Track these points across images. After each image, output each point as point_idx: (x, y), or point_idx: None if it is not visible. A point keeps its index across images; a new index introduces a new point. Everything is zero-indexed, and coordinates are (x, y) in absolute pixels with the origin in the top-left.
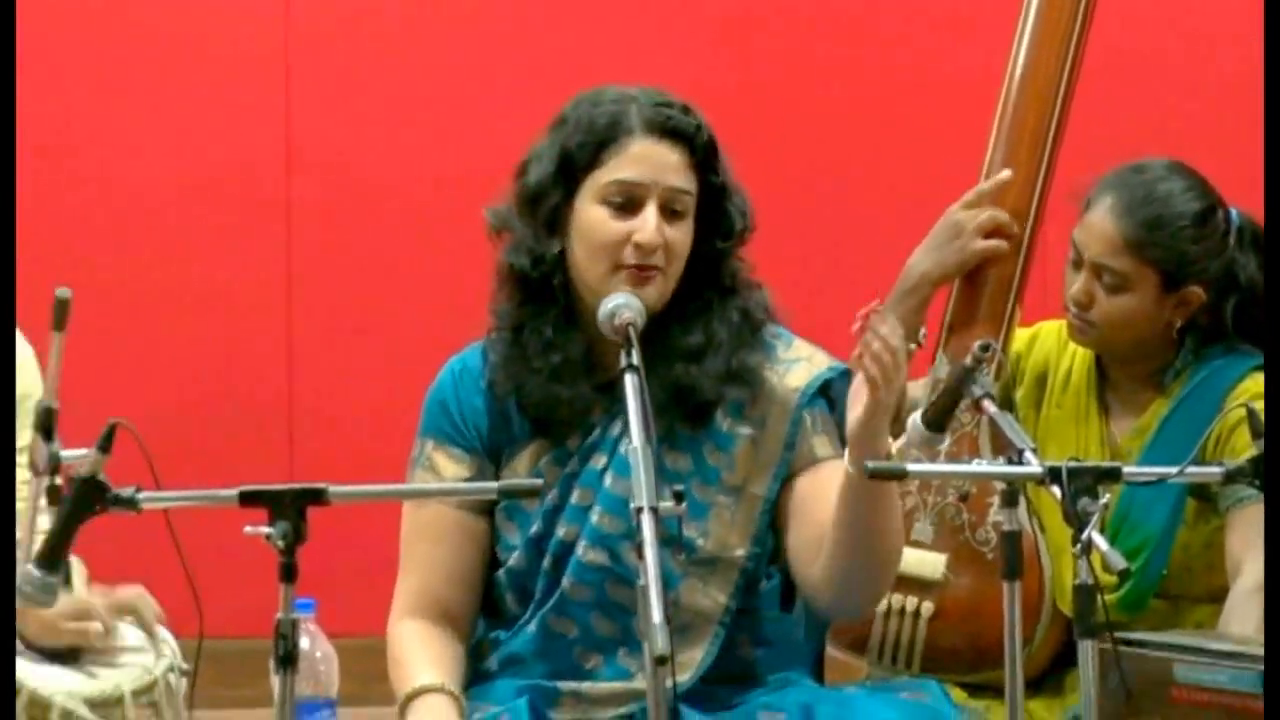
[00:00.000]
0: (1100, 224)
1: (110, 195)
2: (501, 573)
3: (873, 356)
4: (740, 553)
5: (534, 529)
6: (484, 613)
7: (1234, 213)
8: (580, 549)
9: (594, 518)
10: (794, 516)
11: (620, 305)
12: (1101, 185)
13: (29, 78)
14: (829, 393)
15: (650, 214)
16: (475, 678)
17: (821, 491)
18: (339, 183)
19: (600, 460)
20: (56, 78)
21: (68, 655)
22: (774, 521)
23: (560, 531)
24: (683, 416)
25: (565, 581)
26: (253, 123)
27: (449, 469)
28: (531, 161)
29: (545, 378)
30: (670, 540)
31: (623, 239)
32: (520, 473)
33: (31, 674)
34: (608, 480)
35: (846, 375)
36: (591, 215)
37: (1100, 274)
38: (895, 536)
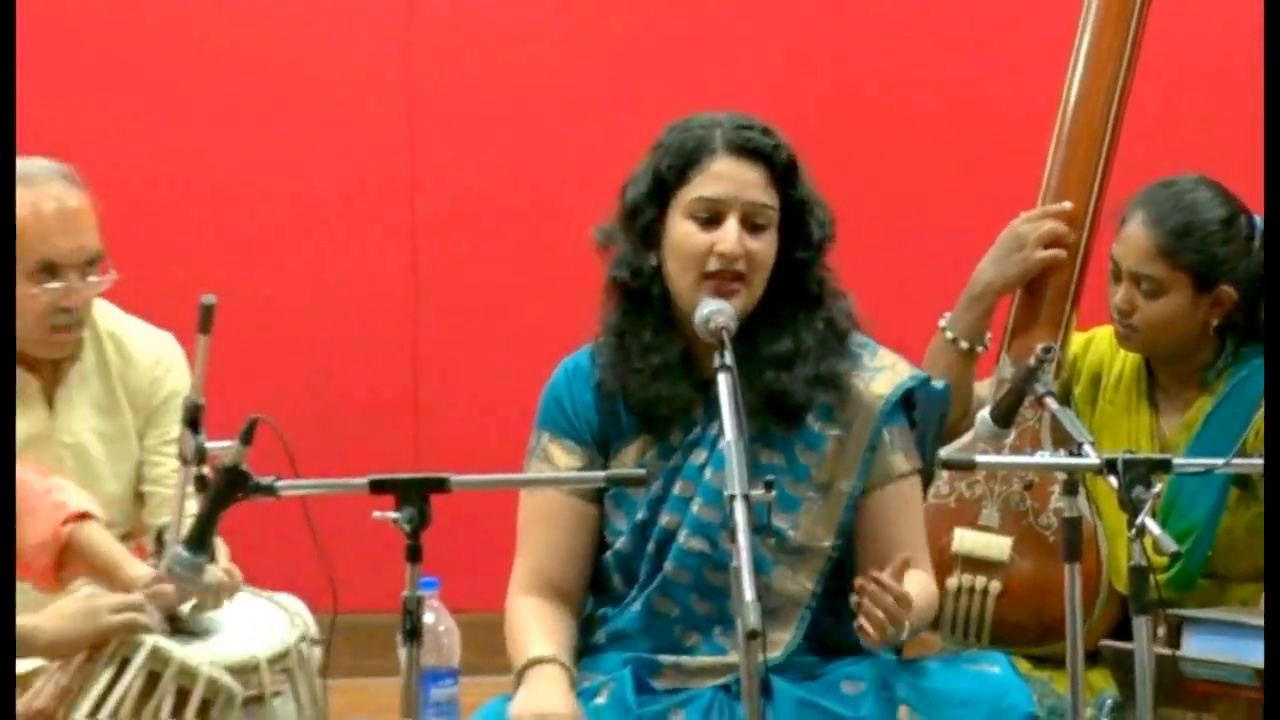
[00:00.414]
0: (1134, 236)
1: (253, 210)
2: (610, 555)
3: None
4: (826, 543)
5: (639, 516)
6: (593, 591)
7: (1257, 219)
8: (681, 536)
9: (694, 508)
10: (865, 530)
11: (715, 311)
12: (1134, 202)
13: (183, 106)
14: (910, 398)
15: (731, 226)
16: (585, 650)
17: (892, 511)
18: (461, 198)
19: (700, 455)
20: (206, 105)
21: (201, 631)
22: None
23: (663, 520)
24: (776, 418)
25: (667, 566)
26: (379, 139)
27: (562, 459)
28: (631, 182)
29: (647, 377)
30: (761, 527)
31: (707, 250)
32: (627, 464)
33: (177, 648)
34: (707, 474)
35: (926, 383)
36: (680, 229)
37: (1138, 282)
38: (924, 616)
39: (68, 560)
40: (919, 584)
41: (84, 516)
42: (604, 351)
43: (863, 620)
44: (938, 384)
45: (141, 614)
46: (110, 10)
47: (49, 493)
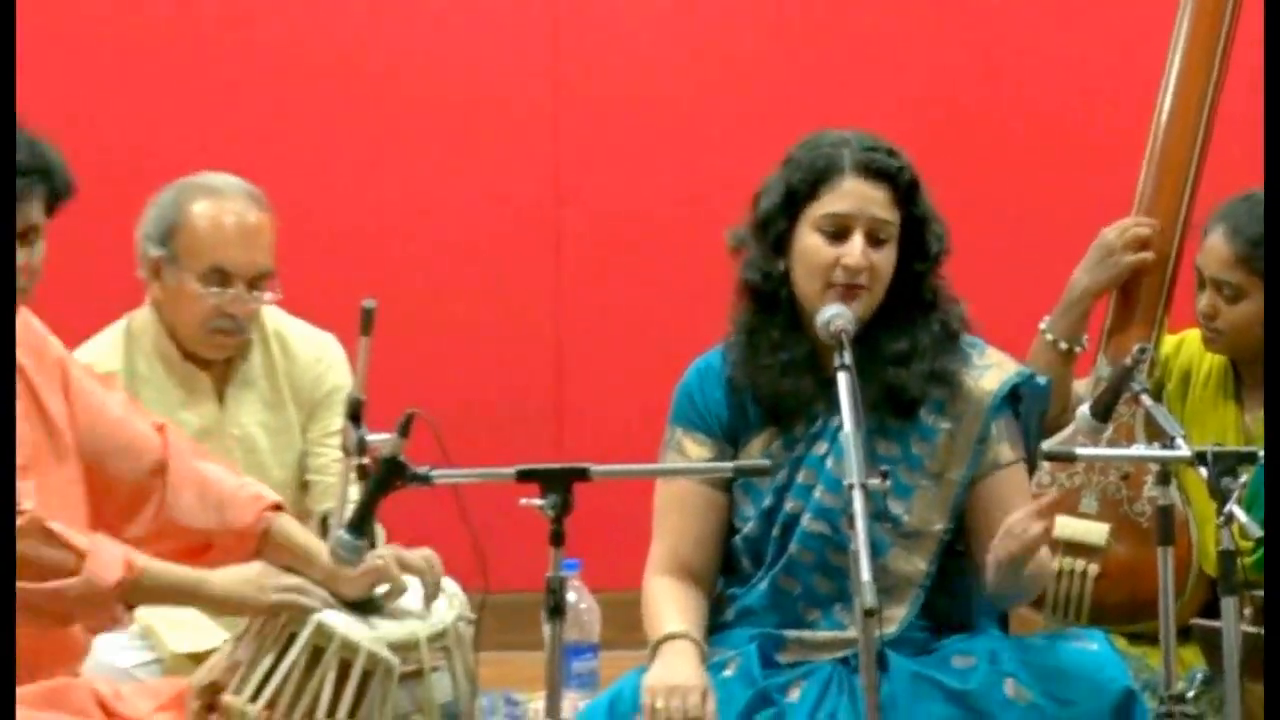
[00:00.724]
0: (1215, 246)
1: (411, 223)
2: (738, 539)
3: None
4: (939, 527)
5: (766, 503)
6: (723, 573)
7: None
8: (805, 520)
9: (816, 494)
10: (976, 514)
11: (835, 314)
12: (1215, 215)
13: (353, 133)
14: (1016, 393)
15: (856, 242)
16: (715, 628)
17: (999, 498)
18: (600, 213)
19: (822, 447)
20: (372, 132)
21: (368, 607)
22: (964, 504)
23: (788, 505)
24: (893, 412)
25: (792, 547)
26: (526, 154)
27: (694, 451)
28: (763, 193)
29: (775, 373)
30: (878, 514)
31: (833, 262)
32: (754, 454)
33: (341, 622)
34: (829, 463)
35: (1031, 379)
36: (809, 241)
37: (1220, 288)
38: (1036, 584)
39: (265, 547)
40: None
41: (279, 507)
42: (734, 349)
43: (1000, 542)
44: (1040, 380)
45: (304, 597)
46: (298, 51)
47: (244, 485)
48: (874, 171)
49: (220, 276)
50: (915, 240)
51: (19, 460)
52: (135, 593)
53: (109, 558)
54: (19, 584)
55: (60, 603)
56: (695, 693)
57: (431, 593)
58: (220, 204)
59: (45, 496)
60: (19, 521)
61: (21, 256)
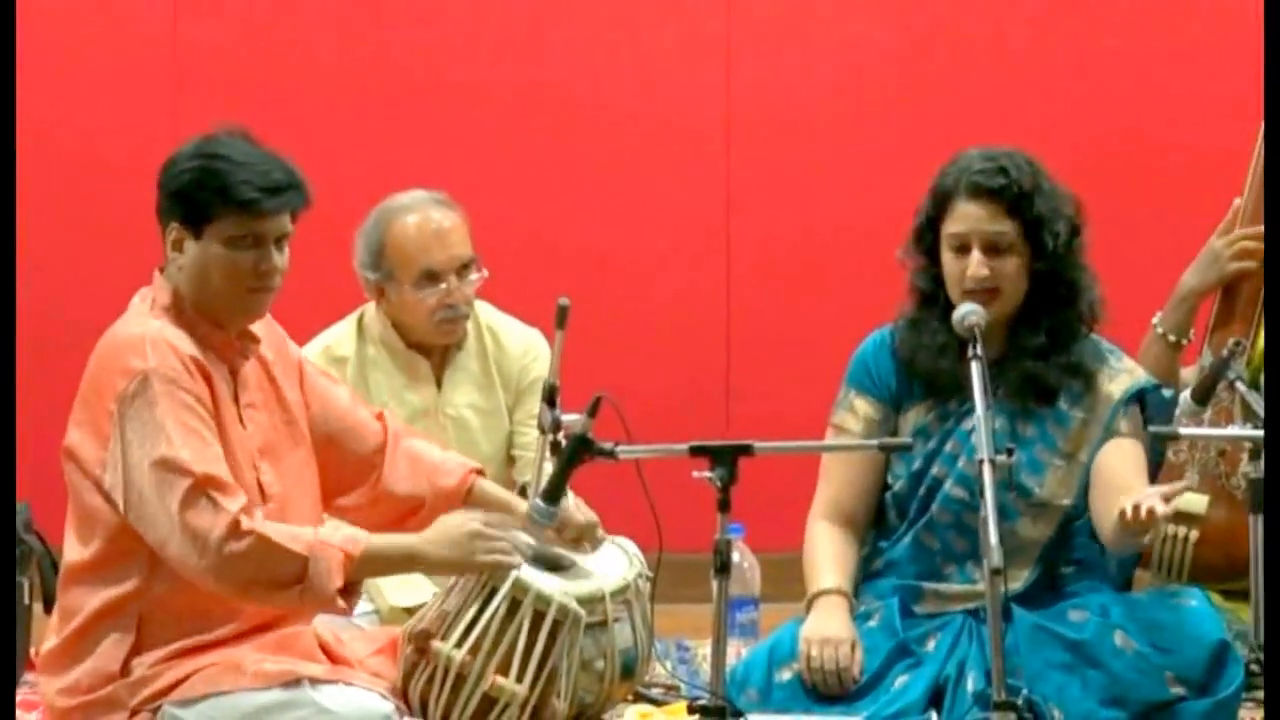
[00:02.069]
0: None
1: (599, 229)
2: (889, 494)
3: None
4: (1065, 501)
5: (916, 466)
6: (874, 525)
7: None
8: (948, 485)
9: (960, 464)
10: (1095, 480)
11: (968, 312)
12: None
13: (546, 152)
14: (1141, 396)
15: (975, 255)
16: (866, 576)
17: (1116, 461)
18: (768, 217)
19: (968, 423)
20: (563, 151)
21: (558, 567)
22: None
23: (934, 470)
24: (1034, 398)
25: (934, 507)
26: (699, 163)
27: (862, 409)
28: (918, 212)
29: (933, 354)
30: (1012, 485)
31: (961, 274)
32: (912, 420)
33: (536, 578)
34: (973, 437)
35: (1157, 389)
36: (945, 255)
37: None
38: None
39: (472, 503)
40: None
41: (480, 473)
42: (902, 331)
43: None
44: (1165, 392)
45: (507, 557)
46: (506, 84)
47: (450, 456)
48: (983, 191)
49: (431, 277)
50: (1038, 241)
51: (258, 443)
52: (358, 575)
53: (330, 561)
54: (250, 592)
55: (289, 602)
56: (845, 644)
57: (592, 544)
58: (414, 217)
59: (283, 476)
60: (245, 542)
61: (278, 260)
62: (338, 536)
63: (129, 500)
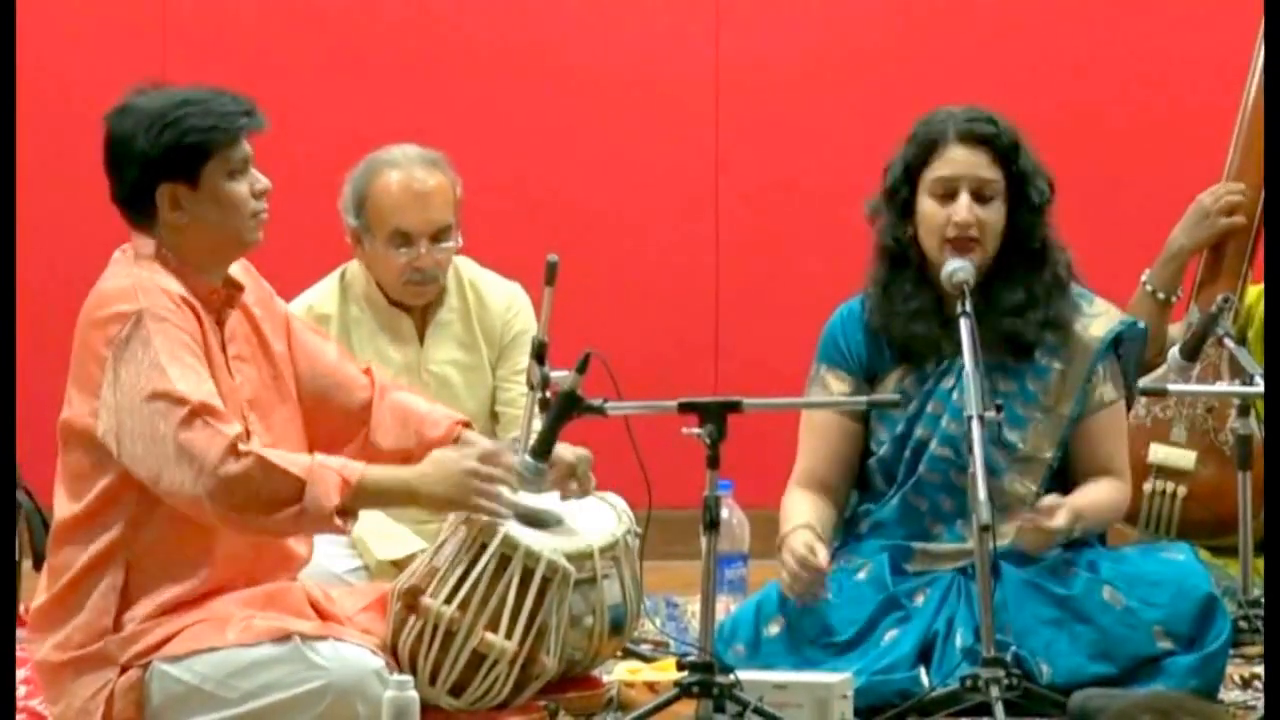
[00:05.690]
0: None
1: (589, 186)
2: (874, 460)
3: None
4: (1048, 454)
5: (899, 429)
6: (859, 489)
7: None
8: (933, 445)
9: (943, 423)
10: (1080, 447)
11: (957, 268)
12: None
13: (538, 110)
14: (1120, 338)
15: (963, 200)
16: (850, 539)
17: (1099, 434)
18: (756, 176)
19: (949, 382)
20: (555, 108)
21: (547, 524)
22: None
23: (918, 432)
24: (1011, 354)
25: (921, 468)
26: (688, 122)
27: (835, 385)
28: (889, 167)
29: (906, 319)
30: (997, 441)
31: (946, 221)
32: (889, 388)
33: (525, 535)
34: (954, 396)
35: (1133, 325)
36: (925, 205)
37: None
38: (1101, 517)
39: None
40: (1105, 491)
41: (468, 424)
42: (871, 299)
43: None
44: (1140, 324)
45: (497, 503)
46: (498, 44)
47: (436, 408)
48: (975, 137)
49: (403, 237)
50: (1020, 195)
51: (247, 395)
52: (354, 504)
53: (327, 482)
54: (246, 515)
55: (285, 525)
56: (791, 538)
57: (585, 486)
58: (398, 174)
59: (270, 429)
60: (243, 463)
61: (244, 185)
62: (335, 462)
63: (122, 437)
